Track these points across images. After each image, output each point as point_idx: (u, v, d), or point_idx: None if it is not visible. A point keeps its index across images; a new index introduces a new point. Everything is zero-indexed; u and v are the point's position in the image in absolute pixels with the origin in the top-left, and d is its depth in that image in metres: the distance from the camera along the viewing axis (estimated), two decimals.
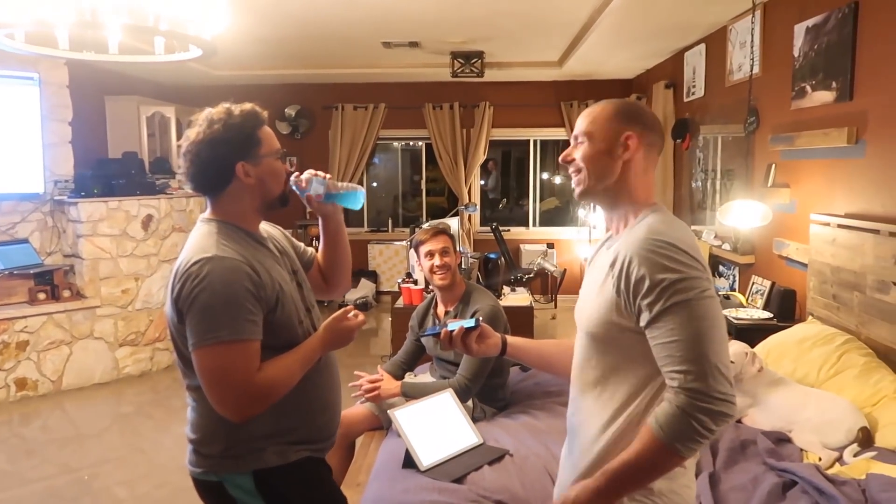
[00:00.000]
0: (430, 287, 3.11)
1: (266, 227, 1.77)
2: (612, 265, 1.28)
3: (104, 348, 5.29)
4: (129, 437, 4.32)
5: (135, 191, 5.43)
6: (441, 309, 2.97)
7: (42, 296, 5.01)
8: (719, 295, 4.29)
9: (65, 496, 3.55)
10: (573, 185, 1.42)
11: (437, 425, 2.39)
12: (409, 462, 2.24)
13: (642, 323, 1.24)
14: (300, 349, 1.62)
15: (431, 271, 2.84)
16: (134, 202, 5.41)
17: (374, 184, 8.65)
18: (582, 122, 1.41)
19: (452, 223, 6.24)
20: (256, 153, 1.60)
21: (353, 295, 7.86)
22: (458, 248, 2.92)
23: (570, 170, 1.42)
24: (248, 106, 1.62)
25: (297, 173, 1.73)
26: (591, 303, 1.35)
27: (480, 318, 1.65)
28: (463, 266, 5.97)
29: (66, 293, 5.12)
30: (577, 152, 1.40)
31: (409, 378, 2.96)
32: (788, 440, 2.46)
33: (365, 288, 7.94)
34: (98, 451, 4.12)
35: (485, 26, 5.26)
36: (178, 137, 6.95)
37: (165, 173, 6.28)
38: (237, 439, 1.58)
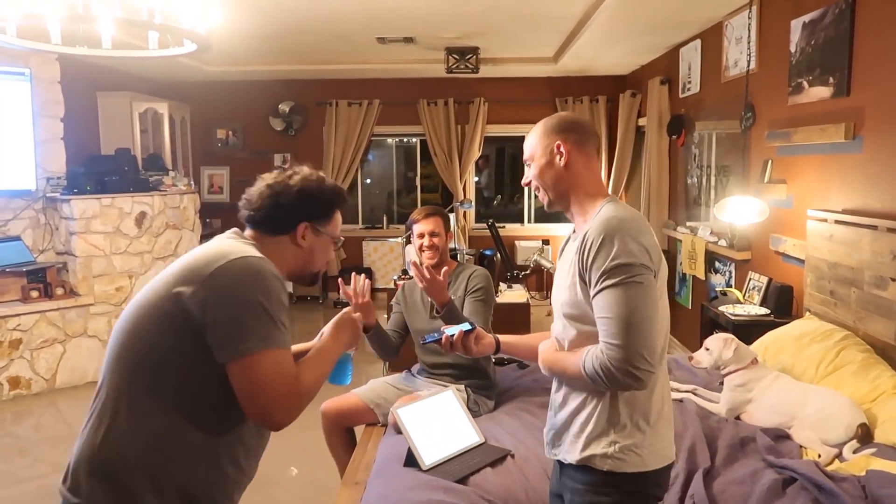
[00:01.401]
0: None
1: None
2: (578, 251, 1.50)
3: (98, 346, 5.25)
4: None
5: (128, 188, 5.39)
6: None
7: (35, 294, 4.97)
8: (716, 290, 4.31)
9: (58, 495, 3.52)
10: (541, 201, 1.67)
11: (438, 424, 2.38)
12: (410, 460, 2.23)
13: (591, 296, 1.47)
14: (315, 351, 1.58)
15: (420, 250, 2.97)
16: (127, 199, 5.37)
17: (368, 180, 8.62)
18: (525, 149, 1.66)
19: (450, 219, 6.24)
20: (323, 226, 1.64)
21: None
22: (450, 229, 3.02)
23: (533, 188, 1.66)
24: (338, 185, 1.71)
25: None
26: (562, 286, 1.58)
27: (476, 324, 1.76)
28: (459, 261, 5.97)
29: (60, 291, 5.07)
30: (530, 173, 1.65)
31: (374, 381, 3.00)
32: (787, 437, 2.46)
33: None
34: None
35: (479, 21, 5.24)
36: (171, 133, 6.94)
37: (159, 170, 6.24)
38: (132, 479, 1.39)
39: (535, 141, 1.64)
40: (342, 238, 1.72)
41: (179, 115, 7.34)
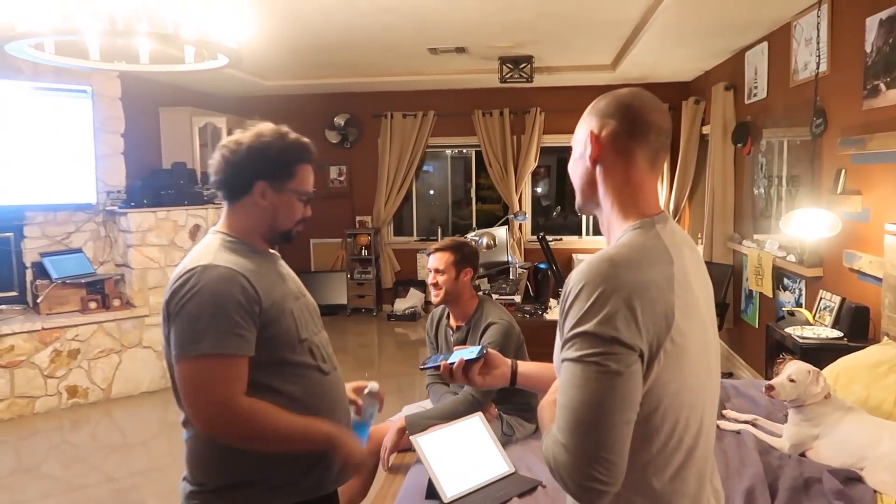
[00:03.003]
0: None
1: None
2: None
3: (152, 357, 5.35)
4: (175, 446, 4.32)
5: (182, 201, 5.48)
6: (453, 322, 2.89)
7: (93, 304, 5.10)
8: (783, 310, 4.00)
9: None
10: None
11: (464, 452, 2.23)
12: (431, 492, 2.09)
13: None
14: (304, 419, 1.53)
15: (430, 286, 2.83)
16: (182, 212, 5.47)
17: (431, 191, 8.58)
18: None
19: (500, 232, 6.08)
20: (282, 183, 1.58)
21: (401, 305, 7.79)
22: (469, 264, 2.81)
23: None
24: (303, 139, 1.63)
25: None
26: (557, 332, 1.19)
27: (487, 346, 1.49)
28: (511, 277, 5.79)
29: (116, 302, 5.19)
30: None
31: (408, 408, 2.84)
32: (859, 479, 2.19)
33: (414, 298, 7.85)
34: (144, 459, 4.15)
35: (532, 29, 5.10)
36: None
37: None
38: (230, 468, 1.51)
39: (580, 123, 1.24)
40: (311, 193, 1.65)
41: (238, 130, 7.47)
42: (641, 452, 1.07)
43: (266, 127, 1.60)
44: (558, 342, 1.12)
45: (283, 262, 1.73)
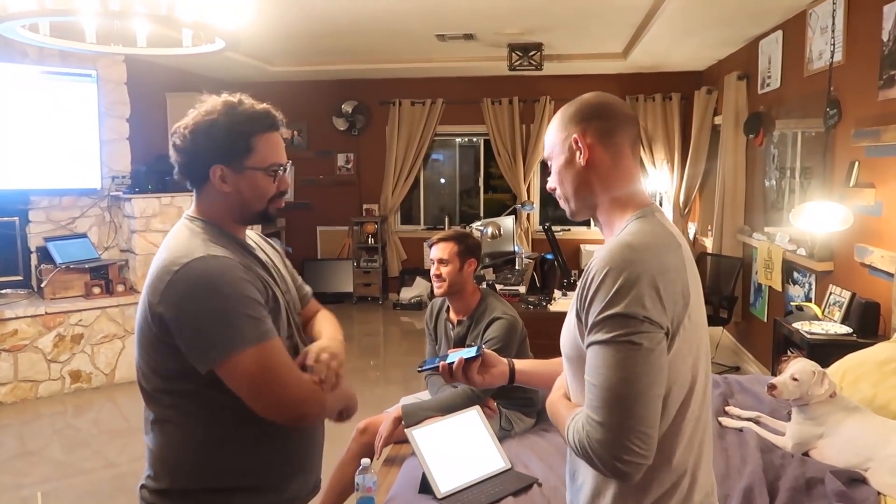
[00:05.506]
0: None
1: (256, 239, 1.58)
2: (580, 283, 1.18)
3: None
4: None
5: (187, 187, 5.44)
6: (453, 315, 2.83)
7: (97, 290, 5.10)
8: (792, 305, 3.93)
9: (103, 492, 3.56)
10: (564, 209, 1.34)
11: (460, 447, 2.19)
12: (425, 487, 2.06)
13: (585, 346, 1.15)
14: None
15: (433, 277, 2.77)
16: (186, 198, 5.44)
17: (443, 180, 8.52)
18: (545, 144, 1.34)
19: (507, 222, 6.03)
20: (240, 161, 1.39)
21: (407, 293, 7.75)
22: (472, 256, 2.75)
23: (557, 196, 1.33)
24: (259, 105, 1.43)
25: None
26: (566, 321, 1.25)
27: (483, 347, 1.47)
28: (517, 267, 5.75)
29: (120, 288, 5.19)
30: (551, 178, 1.33)
31: (405, 399, 2.79)
32: (863, 481, 2.13)
33: (420, 287, 7.82)
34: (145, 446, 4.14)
35: (541, 15, 5.01)
36: None
37: None
38: (198, 475, 1.41)
39: (552, 135, 1.30)
40: (280, 164, 1.44)
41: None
42: (661, 423, 1.13)
43: (214, 102, 1.39)
44: (570, 329, 1.20)
45: (263, 247, 1.57)
